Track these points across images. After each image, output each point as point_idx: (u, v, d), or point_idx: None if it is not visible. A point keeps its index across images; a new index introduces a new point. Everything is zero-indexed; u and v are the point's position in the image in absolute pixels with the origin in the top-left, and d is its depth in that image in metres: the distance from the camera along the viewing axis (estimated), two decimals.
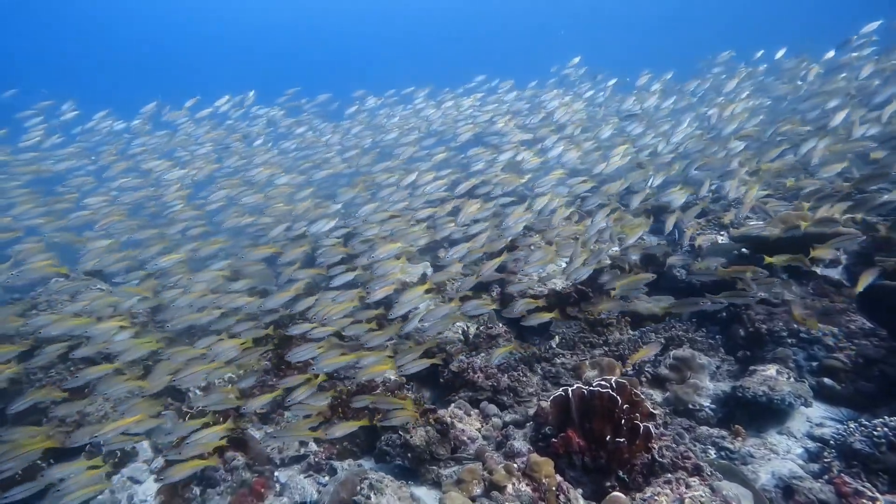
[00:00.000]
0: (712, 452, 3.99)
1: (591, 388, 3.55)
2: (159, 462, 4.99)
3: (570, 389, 3.65)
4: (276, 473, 4.71)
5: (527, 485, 3.40)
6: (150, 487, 4.80)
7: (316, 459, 4.73)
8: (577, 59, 13.47)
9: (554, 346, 5.60)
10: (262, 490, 4.43)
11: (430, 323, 5.06)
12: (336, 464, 4.69)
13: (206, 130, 11.49)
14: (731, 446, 3.98)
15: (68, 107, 11.27)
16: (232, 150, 10.96)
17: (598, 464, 3.49)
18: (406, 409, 4.33)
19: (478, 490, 3.55)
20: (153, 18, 51.56)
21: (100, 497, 4.64)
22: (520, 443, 3.95)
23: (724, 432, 4.15)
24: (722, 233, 6.80)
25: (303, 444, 4.95)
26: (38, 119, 10.72)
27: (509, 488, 3.40)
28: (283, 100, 13.05)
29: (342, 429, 4.34)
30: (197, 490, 4.53)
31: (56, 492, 3.77)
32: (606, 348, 5.38)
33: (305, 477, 4.62)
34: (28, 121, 10.71)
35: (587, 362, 4.98)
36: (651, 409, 3.80)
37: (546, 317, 5.18)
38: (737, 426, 4.15)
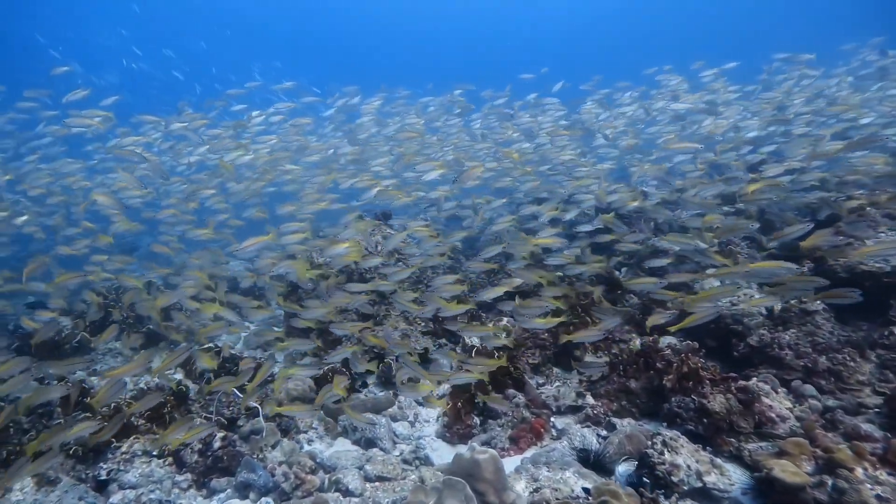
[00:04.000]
0: None
1: None
2: (443, 388, 5.41)
3: None
4: (551, 419, 4.73)
5: (888, 473, 2.75)
6: (431, 411, 5.22)
7: (594, 412, 4.61)
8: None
9: None
10: (542, 430, 4.48)
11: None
12: (615, 420, 4.52)
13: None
14: None
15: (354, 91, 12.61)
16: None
17: None
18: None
19: (808, 467, 3.00)
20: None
21: (390, 409, 5.21)
22: (868, 426, 3.24)
23: None
24: None
25: (580, 395, 4.88)
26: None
27: (859, 472, 2.79)
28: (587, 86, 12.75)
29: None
30: (478, 420, 4.78)
31: None
32: None
33: (583, 426, 4.55)
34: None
35: None
36: None
37: None
38: None
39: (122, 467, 4.05)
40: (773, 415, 3.88)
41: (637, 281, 5.31)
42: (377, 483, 3.94)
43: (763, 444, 3.71)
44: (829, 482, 2.75)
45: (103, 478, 3.94)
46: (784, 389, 4.20)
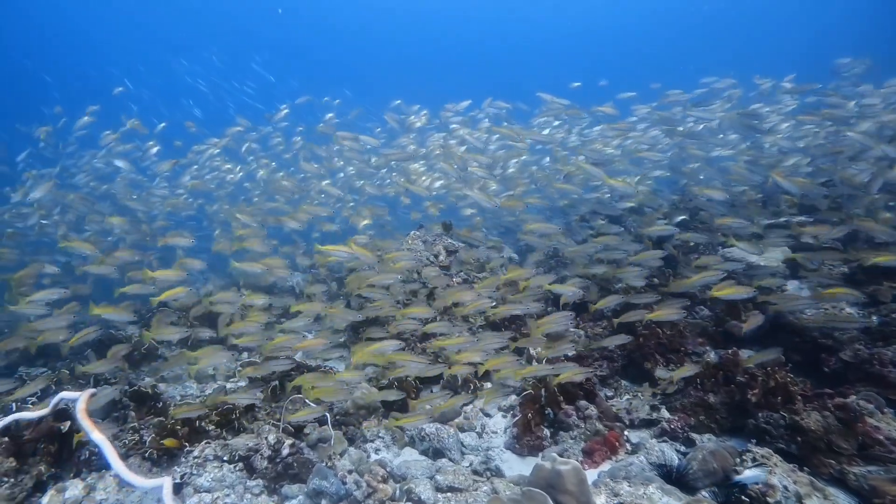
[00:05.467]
0: None
1: None
2: (510, 399, 5.27)
3: None
4: (625, 433, 4.53)
5: None
6: (498, 421, 5.08)
7: (671, 427, 4.38)
8: None
9: None
10: (616, 443, 4.28)
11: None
12: (694, 435, 4.28)
13: None
14: None
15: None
16: None
17: None
18: None
19: None
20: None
21: (456, 420, 5.09)
22: None
23: None
24: None
25: (654, 408, 4.66)
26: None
27: None
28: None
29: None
30: (548, 431, 4.62)
31: None
32: None
33: (659, 441, 4.33)
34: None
35: None
36: None
37: None
38: None
39: (194, 471, 4.09)
40: (881, 436, 3.58)
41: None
42: (449, 493, 3.82)
43: (871, 468, 3.42)
44: None
45: (177, 481, 3.99)
46: (890, 410, 3.88)
